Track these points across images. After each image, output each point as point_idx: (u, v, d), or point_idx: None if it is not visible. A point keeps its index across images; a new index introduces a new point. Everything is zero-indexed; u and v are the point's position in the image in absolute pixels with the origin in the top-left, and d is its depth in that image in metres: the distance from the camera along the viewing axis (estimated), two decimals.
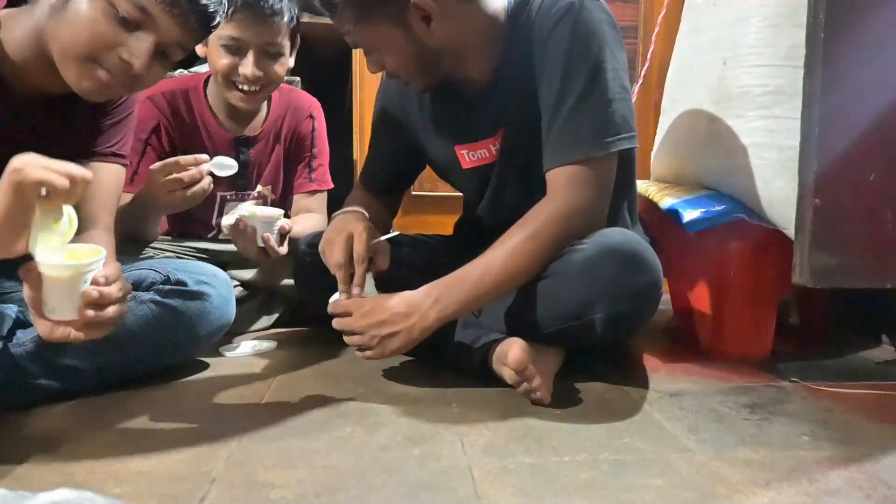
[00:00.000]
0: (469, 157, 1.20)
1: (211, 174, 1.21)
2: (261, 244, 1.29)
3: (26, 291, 0.80)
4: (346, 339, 1.05)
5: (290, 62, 1.44)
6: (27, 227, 0.74)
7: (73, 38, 0.89)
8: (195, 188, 1.19)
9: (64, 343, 0.98)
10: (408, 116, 1.26)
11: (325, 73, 2.01)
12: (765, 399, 1.06)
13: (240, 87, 1.38)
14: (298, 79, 1.92)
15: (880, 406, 1.05)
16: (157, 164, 1.20)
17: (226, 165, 1.25)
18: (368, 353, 1.03)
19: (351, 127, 2.12)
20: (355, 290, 1.06)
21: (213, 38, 1.32)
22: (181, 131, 1.47)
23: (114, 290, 0.81)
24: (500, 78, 1.11)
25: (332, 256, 1.07)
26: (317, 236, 1.24)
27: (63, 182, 0.71)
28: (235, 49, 1.35)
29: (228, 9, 1.25)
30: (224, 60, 1.36)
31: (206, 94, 1.49)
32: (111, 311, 0.81)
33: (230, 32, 1.33)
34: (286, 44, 1.40)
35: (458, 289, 1.01)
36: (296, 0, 1.40)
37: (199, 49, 1.38)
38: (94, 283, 0.79)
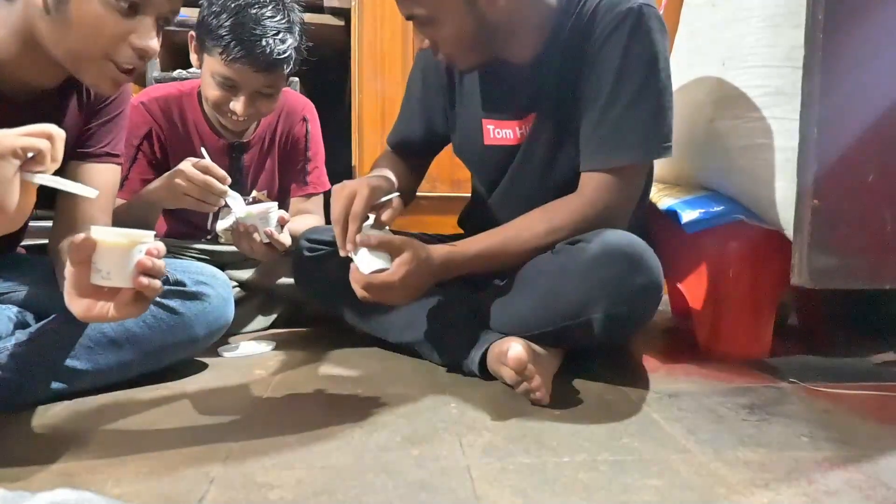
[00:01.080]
0: (494, 133, 1.21)
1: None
2: (265, 240, 1.29)
3: (69, 268, 0.79)
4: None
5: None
6: (15, 203, 0.69)
7: (86, 42, 0.89)
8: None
9: (65, 343, 0.99)
10: (447, 80, 1.27)
11: (324, 73, 2.01)
12: (764, 400, 1.06)
13: (229, 115, 1.35)
14: (297, 79, 1.92)
15: (880, 406, 1.05)
16: (189, 167, 1.19)
17: (239, 203, 1.27)
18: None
19: (349, 128, 2.12)
20: (349, 246, 1.02)
21: (206, 68, 1.31)
22: (174, 137, 1.45)
23: (162, 264, 0.81)
24: (543, 62, 1.13)
25: (332, 212, 1.06)
26: (316, 230, 1.24)
27: (44, 142, 0.69)
28: (229, 87, 1.31)
29: (227, 54, 1.25)
30: (216, 93, 1.31)
31: (200, 101, 1.46)
32: (158, 283, 0.80)
33: (226, 73, 1.28)
34: (282, 82, 1.36)
35: (466, 268, 1.07)
36: (300, 33, 1.34)
37: (194, 59, 1.36)
38: (148, 254, 0.79)
